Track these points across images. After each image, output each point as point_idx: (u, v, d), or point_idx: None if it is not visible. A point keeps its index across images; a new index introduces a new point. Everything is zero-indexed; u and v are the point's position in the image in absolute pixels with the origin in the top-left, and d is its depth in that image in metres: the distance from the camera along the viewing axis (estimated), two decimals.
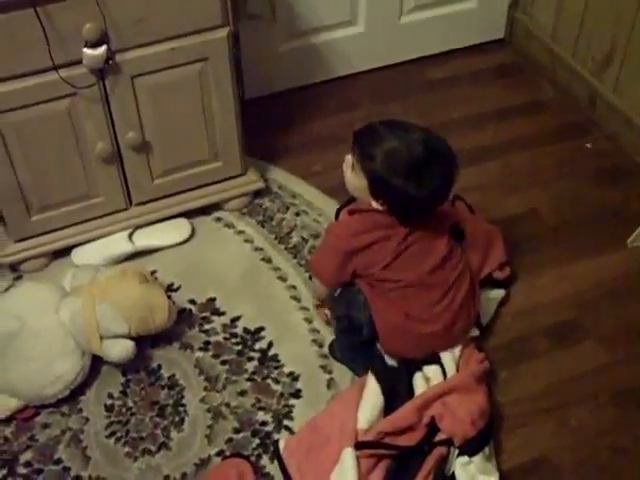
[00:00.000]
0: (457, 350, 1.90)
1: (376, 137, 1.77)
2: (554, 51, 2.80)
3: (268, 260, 2.20)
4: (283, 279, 2.15)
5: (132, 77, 1.94)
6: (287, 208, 2.34)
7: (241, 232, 2.28)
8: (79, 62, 1.85)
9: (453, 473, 1.73)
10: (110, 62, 1.88)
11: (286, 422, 1.84)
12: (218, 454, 1.79)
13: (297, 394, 1.90)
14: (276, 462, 1.75)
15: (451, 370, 1.86)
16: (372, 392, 1.82)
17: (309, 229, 2.28)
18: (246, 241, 2.25)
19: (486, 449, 1.75)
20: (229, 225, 2.29)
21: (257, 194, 2.36)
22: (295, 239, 2.25)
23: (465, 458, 1.73)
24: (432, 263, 1.84)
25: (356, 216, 1.87)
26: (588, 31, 2.63)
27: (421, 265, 1.83)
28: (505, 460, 1.79)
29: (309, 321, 2.04)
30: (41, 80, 1.85)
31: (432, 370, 1.87)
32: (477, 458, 1.73)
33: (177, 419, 1.85)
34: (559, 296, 2.13)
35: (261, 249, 2.23)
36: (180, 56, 1.96)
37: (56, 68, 1.82)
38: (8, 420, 1.85)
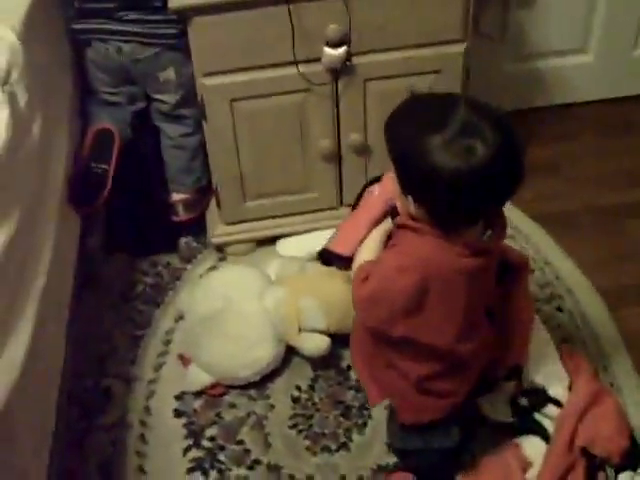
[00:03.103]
0: (565, 381, 1.78)
1: (403, 115, 1.38)
2: None
3: None
4: None
5: (365, 80, 1.97)
6: None
7: None
8: (317, 60, 1.90)
9: None
10: (347, 63, 1.91)
11: None
12: (396, 465, 1.77)
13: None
14: None
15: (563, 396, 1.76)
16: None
17: None
18: None
19: None
20: None
21: None
22: None
23: (629, 473, 1.65)
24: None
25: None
26: None
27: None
28: None
29: None
30: (279, 73, 1.92)
31: (549, 409, 1.76)
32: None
33: (360, 422, 1.86)
34: None
35: None
36: (414, 65, 1.97)
37: (296, 63, 1.88)
38: (198, 394, 1.92)
